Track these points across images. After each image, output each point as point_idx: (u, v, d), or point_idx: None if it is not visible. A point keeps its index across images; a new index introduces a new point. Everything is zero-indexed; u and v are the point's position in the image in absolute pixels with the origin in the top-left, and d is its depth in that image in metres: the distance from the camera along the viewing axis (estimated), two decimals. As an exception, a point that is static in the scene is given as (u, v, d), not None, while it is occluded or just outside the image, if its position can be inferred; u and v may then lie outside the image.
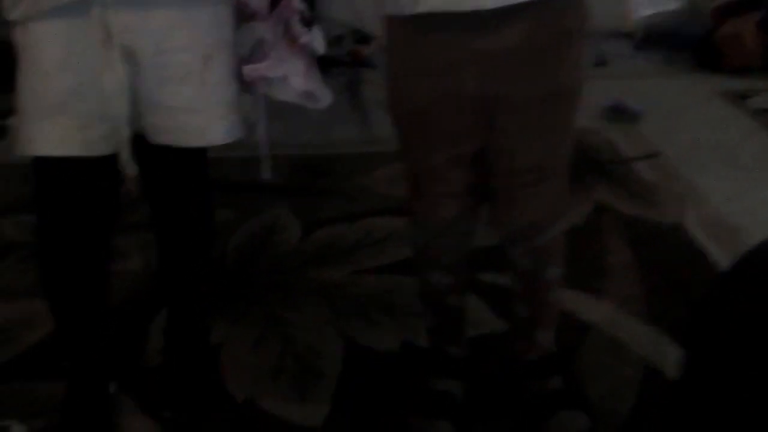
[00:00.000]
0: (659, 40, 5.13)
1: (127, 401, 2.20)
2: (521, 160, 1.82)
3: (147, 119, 1.88)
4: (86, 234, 1.96)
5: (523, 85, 1.74)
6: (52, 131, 1.79)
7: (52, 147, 1.80)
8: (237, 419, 2.15)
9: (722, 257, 2.73)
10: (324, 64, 4.73)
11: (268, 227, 3.10)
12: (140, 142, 1.91)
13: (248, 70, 1.80)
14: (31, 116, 1.80)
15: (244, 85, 1.95)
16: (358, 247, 2.94)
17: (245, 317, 2.55)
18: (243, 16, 1.92)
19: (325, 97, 1.85)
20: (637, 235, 2.95)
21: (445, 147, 1.84)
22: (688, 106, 4.22)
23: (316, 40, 1.79)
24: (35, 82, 1.79)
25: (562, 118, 1.84)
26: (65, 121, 1.78)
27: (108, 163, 1.88)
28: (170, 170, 2.02)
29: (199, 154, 2.02)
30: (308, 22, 1.85)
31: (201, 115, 1.89)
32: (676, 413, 1.53)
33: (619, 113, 4.03)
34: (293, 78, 1.78)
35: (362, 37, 4.95)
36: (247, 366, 2.33)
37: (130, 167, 1.90)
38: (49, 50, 1.76)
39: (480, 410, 2.12)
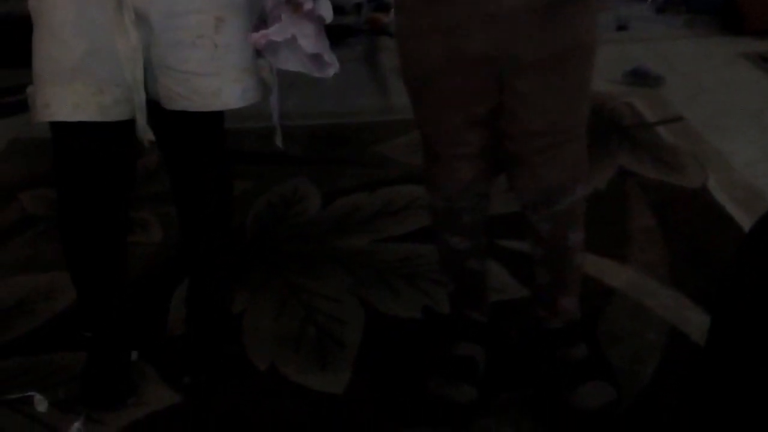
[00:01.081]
0: (681, 2, 5.08)
1: (149, 370, 2.21)
2: (535, 122, 1.81)
3: (161, 84, 1.87)
4: (104, 201, 1.97)
5: (531, 45, 1.73)
6: (67, 96, 1.80)
7: (68, 112, 1.81)
8: (259, 387, 2.16)
9: (746, 220, 2.70)
10: (342, 34, 4.74)
11: (287, 197, 3.10)
12: (156, 110, 1.91)
13: (255, 36, 1.78)
14: (47, 82, 1.81)
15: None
16: (378, 216, 2.93)
17: (266, 286, 2.55)
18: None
19: (333, 63, 1.82)
20: (661, 199, 2.93)
21: (457, 108, 1.84)
22: (711, 69, 4.17)
23: (323, 7, 1.76)
24: (50, 48, 1.80)
25: (575, 79, 1.82)
26: (80, 87, 1.79)
27: (124, 129, 1.89)
28: (186, 138, 2.01)
29: (214, 121, 2.01)
30: None
31: (214, 79, 1.88)
32: (702, 377, 1.52)
33: (641, 77, 3.99)
34: (302, 40, 1.75)
35: (381, 5, 4.92)
36: (269, 334, 2.34)
37: (147, 133, 1.89)
38: (63, 16, 1.77)
39: (503, 376, 2.11)
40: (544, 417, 2.00)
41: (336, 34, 4.65)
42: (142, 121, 1.87)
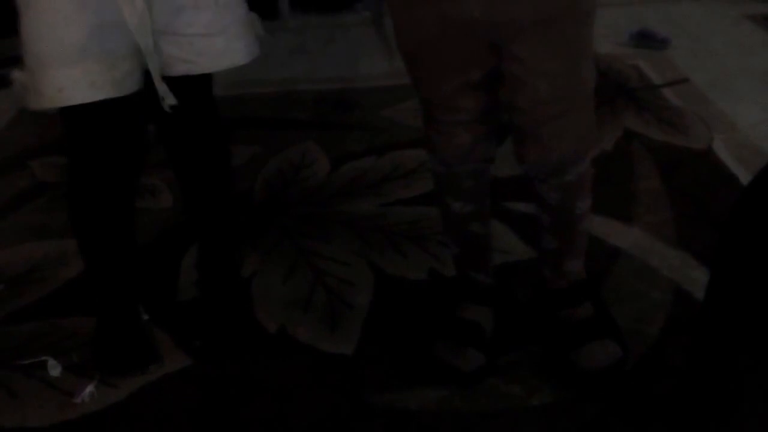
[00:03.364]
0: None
1: (160, 334, 2.24)
2: (541, 88, 1.78)
3: (165, 51, 1.85)
4: (118, 172, 1.97)
5: (528, 7, 1.69)
6: (81, 77, 1.75)
7: (85, 94, 1.77)
8: (269, 349, 2.18)
9: (751, 181, 2.71)
10: (349, -1, 4.72)
11: (296, 162, 3.11)
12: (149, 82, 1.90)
13: None
14: (54, 64, 1.75)
15: None
16: (386, 180, 2.95)
17: (276, 250, 2.57)
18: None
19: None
20: (666, 160, 2.93)
21: (453, 75, 1.82)
22: (717, 31, 4.16)
23: None
24: (53, 28, 1.74)
25: (577, 41, 1.79)
26: (92, 65, 1.75)
27: (135, 100, 1.88)
28: (182, 105, 1.96)
29: (208, 85, 2.02)
30: None
31: (219, 38, 1.87)
32: (702, 332, 1.54)
33: (646, 39, 3.98)
34: None
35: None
36: (279, 297, 2.36)
37: (168, 96, 1.89)
38: None
39: (509, 337, 2.13)
40: (551, 375, 2.02)
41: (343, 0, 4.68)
42: (161, 86, 1.86)
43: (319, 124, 3.43)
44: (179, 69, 1.88)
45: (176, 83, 1.90)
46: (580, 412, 1.93)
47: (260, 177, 3.02)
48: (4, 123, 3.50)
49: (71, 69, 1.74)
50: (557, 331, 2.09)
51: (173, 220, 2.75)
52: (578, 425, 1.90)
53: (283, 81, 3.84)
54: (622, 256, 2.42)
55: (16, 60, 1.85)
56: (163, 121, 2.04)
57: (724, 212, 2.51)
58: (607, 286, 2.29)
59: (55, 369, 2.15)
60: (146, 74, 1.88)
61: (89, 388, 2.08)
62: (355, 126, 3.38)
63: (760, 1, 4.46)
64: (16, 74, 1.84)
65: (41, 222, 2.81)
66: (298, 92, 3.73)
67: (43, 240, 2.71)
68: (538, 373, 2.04)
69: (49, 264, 2.58)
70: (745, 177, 2.75)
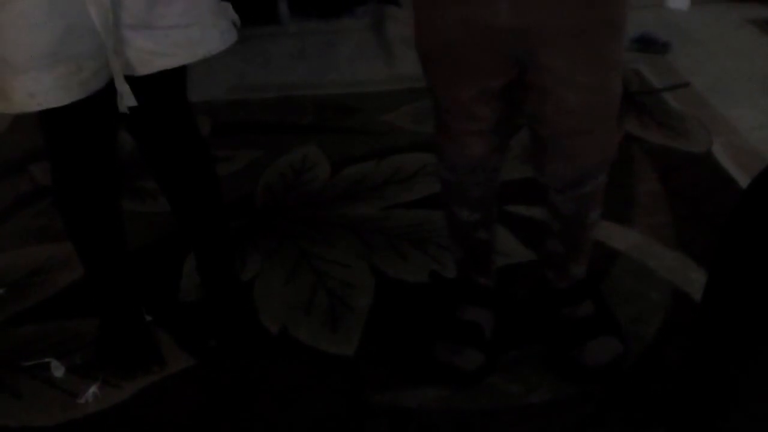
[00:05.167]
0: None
1: (163, 336, 2.25)
2: (569, 100, 1.73)
3: (133, 49, 1.78)
4: (94, 170, 1.97)
5: (561, 16, 1.64)
6: (51, 81, 1.71)
7: (56, 98, 1.74)
8: (271, 350, 2.20)
9: (750, 184, 2.72)
10: (349, 3, 4.74)
11: (297, 166, 3.12)
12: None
13: None
14: (22, 69, 1.70)
15: None
16: (387, 183, 2.96)
17: (277, 252, 2.58)
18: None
19: None
20: (666, 164, 2.95)
21: (473, 81, 1.77)
22: (717, 35, 4.17)
23: None
24: (21, 34, 1.68)
25: (607, 54, 1.73)
26: (62, 68, 1.71)
27: (102, 97, 1.82)
28: (156, 105, 1.93)
29: (181, 80, 1.98)
30: None
31: (195, 28, 1.82)
32: (700, 333, 1.55)
33: (647, 44, 3.99)
34: None
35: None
36: (280, 299, 2.38)
37: (130, 98, 1.82)
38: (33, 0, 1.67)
39: (510, 338, 2.15)
40: (550, 373, 2.04)
41: (344, 4, 4.69)
42: (123, 86, 1.80)
43: (319, 128, 3.44)
44: (157, 64, 1.82)
45: (151, 83, 1.85)
46: (578, 410, 1.95)
47: (261, 181, 3.03)
48: (5, 127, 3.51)
49: (42, 74, 1.70)
50: (559, 330, 2.10)
51: (174, 223, 2.76)
52: (576, 423, 1.92)
53: (283, 86, 3.85)
54: (621, 258, 2.44)
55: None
56: (138, 127, 2.00)
57: (723, 215, 2.54)
58: (606, 287, 2.30)
59: (58, 370, 2.17)
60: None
61: (92, 389, 2.10)
62: (356, 130, 3.39)
63: (761, 6, 4.46)
64: None
65: (42, 225, 2.82)
66: (298, 97, 3.74)
67: (44, 243, 2.72)
68: (537, 372, 2.05)
69: (50, 267, 2.59)
70: (744, 181, 2.76)
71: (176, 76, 1.92)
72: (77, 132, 1.87)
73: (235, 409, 2.02)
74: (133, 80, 1.81)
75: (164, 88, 1.92)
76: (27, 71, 1.70)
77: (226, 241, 2.31)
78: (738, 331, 1.40)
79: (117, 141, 2.01)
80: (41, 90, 1.71)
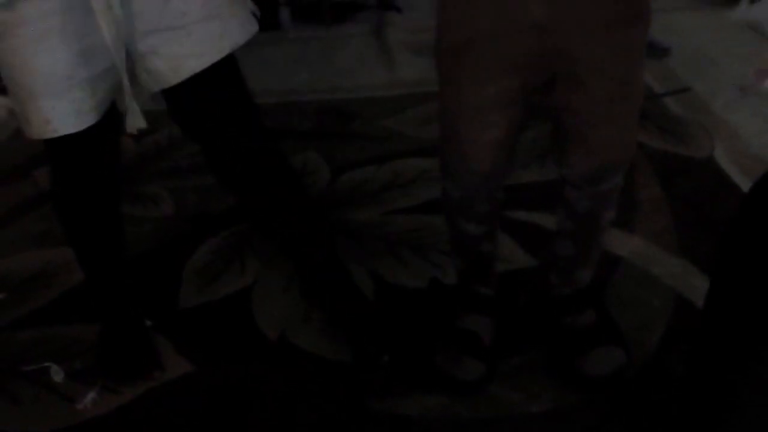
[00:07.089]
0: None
1: (162, 341, 2.25)
2: (599, 90, 1.72)
3: (164, 57, 1.73)
4: (97, 176, 1.96)
5: (592, 8, 1.63)
6: (67, 107, 1.69)
7: (72, 124, 1.71)
8: (270, 356, 2.19)
9: (752, 190, 2.71)
10: (350, 9, 4.73)
11: (297, 171, 3.11)
12: (169, 96, 1.82)
13: None
14: (40, 95, 1.68)
15: None
16: (386, 189, 2.95)
17: (276, 258, 2.57)
18: None
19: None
20: (668, 169, 2.94)
21: (491, 81, 1.73)
22: (718, 39, 4.16)
23: None
24: (36, 59, 1.65)
25: (636, 48, 1.73)
26: (78, 92, 1.69)
27: (110, 113, 1.81)
28: (211, 107, 1.86)
29: (229, 75, 1.88)
30: None
31: (215, 21, 1.75)
32: (702, 340, 1.54)
33: (647, 48, 3.97)
34: None
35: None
36: (280, 305, 2.37)
37: (138, 119, 1.77)
38: (47, 24, 1.63)
39: (511, 346, 2.14)
40: (551, 382, 2.03)
41: (344, 10, 4.69)
42: (132, 103, 1.75)
43: (319, 133, 3.44)
44: (186, 68, 1.75)
45: (195, 84, 1.78)
46: (579, 419, 1.94)
47: (262, 186, 3.01)
48: (8, 133, 3.50)
49: (57, 100, 1.68)
50: (561, 338, 2.10)
51: (175, 228, 2.76)
52: (578, 432, 1.91)
53: (284, 91, 3.85)
54: (623, 265, 2.43)
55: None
56: (202, 137, 1.93)
57: (725, 221, 2.53)
58: (608, 294, 2.30)
59: (58, 375, 2.17)
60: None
61: (92, 394, 2.10)
62: (356, 136, 3.39)
63: (761, 11, 4.46)
64: (7, 101, 1.77)
65: (44, 230, 2.82)
66: (299, 102, 3.73)
67: (46, 248, 2.72)
68: (538, 380, 2.04)
69: (51, 272, 2.59)
70: (746, 186, 2.75)
71: (221, 72, 1.82)
72: (80, 140, 1.83)
73: (234, 416, 2.01)
74: (178, 86, 1.77)
75: (215, 88, 1.84)
76: (44, 96, 1.68)
77: (330, 242, 2.21)
78: (741, 337, 1.39)
79: (119, 146, 2.01)
80: (56, 116, 1.70)
